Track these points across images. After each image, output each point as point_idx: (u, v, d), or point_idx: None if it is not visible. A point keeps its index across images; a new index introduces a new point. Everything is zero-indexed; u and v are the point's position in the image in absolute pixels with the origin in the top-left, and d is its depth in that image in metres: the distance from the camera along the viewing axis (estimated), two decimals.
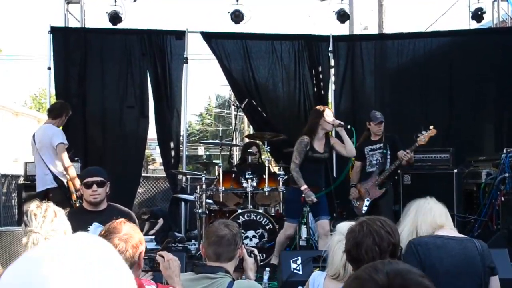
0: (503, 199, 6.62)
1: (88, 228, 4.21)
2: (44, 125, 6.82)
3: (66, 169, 6.33)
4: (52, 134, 6.46)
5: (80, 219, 4.01)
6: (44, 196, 6.10)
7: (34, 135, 6.68)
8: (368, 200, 6.85)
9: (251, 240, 6.61)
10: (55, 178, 6.38)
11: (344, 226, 2.91)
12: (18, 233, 5.94)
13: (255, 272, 3.20)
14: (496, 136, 8.76)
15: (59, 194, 6.15)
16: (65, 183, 6.33)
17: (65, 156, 6.35)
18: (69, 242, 0.96)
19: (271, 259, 6.33)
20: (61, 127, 6.86)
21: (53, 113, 6.76)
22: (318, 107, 6.49)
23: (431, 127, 6.63)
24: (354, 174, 7.23)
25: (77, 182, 5.91)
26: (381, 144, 6.94)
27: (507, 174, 6.60)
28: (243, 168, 7.43)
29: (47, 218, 2.36)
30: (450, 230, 3.19)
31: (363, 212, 6.73)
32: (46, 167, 6.41)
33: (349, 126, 6.28)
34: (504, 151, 6.77)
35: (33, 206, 2.41)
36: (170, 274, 2.80)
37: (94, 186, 4.35)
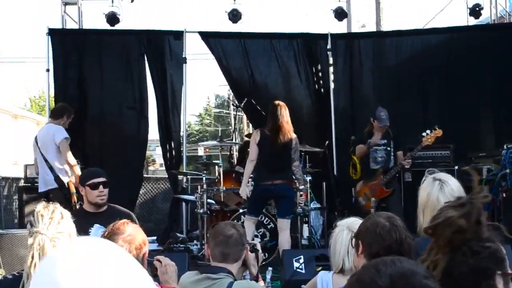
0: (504, 195, 6.62)
1: (89, 230, 4.14)
2: (46, 125, 6.94)
3: (71, 166, 6.33)
4: (54, 131, 6.49)
5: (80, 221, 3.92)
6: (45, 197, 6.07)
7: (36, 137, 6.71)
8: (375, 200, 6.75)
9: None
10: (56, 178, 6.36)
11: (348, 221, 2.91)
12: (19, 235, 5.95)
13: (257, 267, 3.16)
14: (496, 132, 8.73)
15: (59, 196, 6.11)
16: (66, 184, 6.30)
17: (69, 153, 6.37)
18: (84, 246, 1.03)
19: None
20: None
21: (54, 113, 6.90)
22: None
23: (436, 127, 6.52)
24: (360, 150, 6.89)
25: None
26: (385, 141, 6.86)
27: (507, 170, 6.59)
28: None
29: (54, 220, 2.32)
30: None
31: (373, 211, 6.62)
32: (48, 167, 6.40)
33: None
34: (505, 147, 6.76)
35: (40, 207, 2.37)
36: (167, 279, 2.79)
37: (101, 187, 4.26)
